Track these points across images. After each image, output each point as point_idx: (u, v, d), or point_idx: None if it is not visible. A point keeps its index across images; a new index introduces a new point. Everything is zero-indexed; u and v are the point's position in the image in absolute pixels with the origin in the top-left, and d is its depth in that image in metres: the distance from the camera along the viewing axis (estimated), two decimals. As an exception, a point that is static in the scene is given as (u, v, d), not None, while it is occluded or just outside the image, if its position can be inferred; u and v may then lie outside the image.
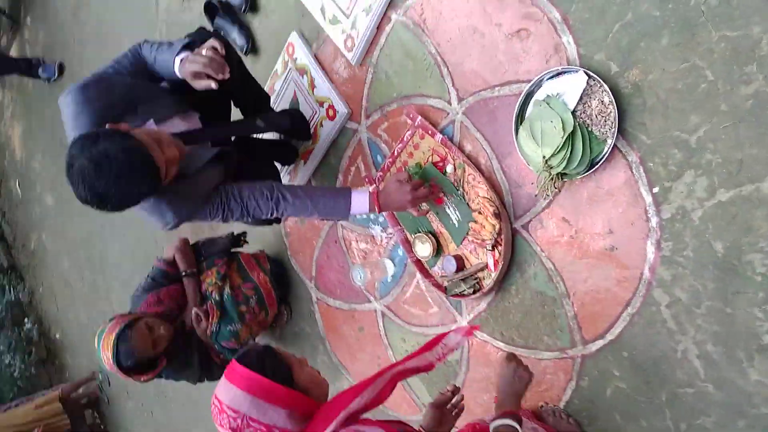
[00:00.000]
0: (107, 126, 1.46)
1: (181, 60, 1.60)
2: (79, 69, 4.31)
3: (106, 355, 1.99)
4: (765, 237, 1.22)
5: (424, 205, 1.84)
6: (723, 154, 1.25)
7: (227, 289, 2.30)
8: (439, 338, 1.31)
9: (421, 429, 1.28)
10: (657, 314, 1.40)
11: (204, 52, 1.57)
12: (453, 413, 1.32)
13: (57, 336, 5.65)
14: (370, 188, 2.00)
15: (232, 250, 2.45)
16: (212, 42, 1.60)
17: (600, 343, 1.52)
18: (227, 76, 1.58)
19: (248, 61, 2.49)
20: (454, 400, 1.34)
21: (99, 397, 4.90)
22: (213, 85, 1.57)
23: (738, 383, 1.30)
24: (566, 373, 1.61)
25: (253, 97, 2.07)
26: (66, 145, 1.47)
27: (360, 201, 1.72)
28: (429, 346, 1.29)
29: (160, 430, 4.07)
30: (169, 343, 2.16)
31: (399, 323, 2.06)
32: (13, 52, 5.57)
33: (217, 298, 2.26)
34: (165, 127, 1.66)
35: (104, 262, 4.42)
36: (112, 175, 1.35)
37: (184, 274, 2.31)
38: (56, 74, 4.57)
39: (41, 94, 4.96)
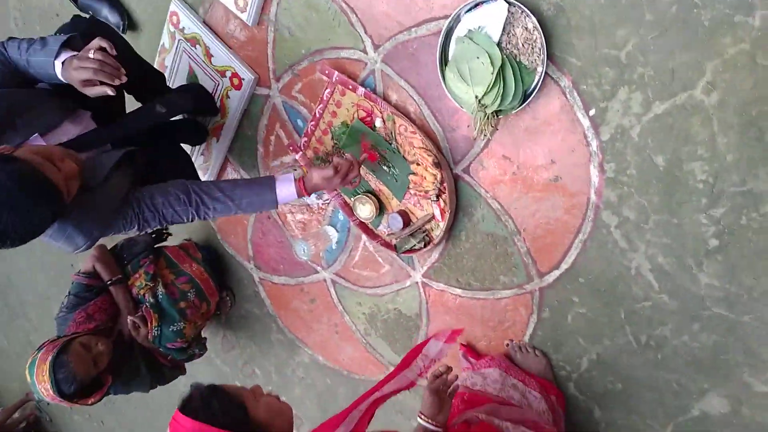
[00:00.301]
0: None
1: (63, 63, 1.35)
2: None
3: (44, 387, 1.80)
4: (702, 144, 1.22)
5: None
6: (654, 66, 1.22)
7: (160, 289, 2.11)
8: (418, 349, 1.23)
9: (421, 415, 1.20)
10: (608, 236, 1.40)
11: (91, 54, 1.33)
12: (448, 394, 1.26)
13: (-23, 365, 5.16)
14: (298, 167, 1.86)
15: (156, 246, 2.24)
16: (99, 41, 1.35)
17: (556, 273, 1.51)
18: (124, 79, 1.36)
19: (128, 39, 2.20)
20: (448, 381, 1.26)
21: (39, 417, 4.57)
22: (109, 91, 1.35)
23: (690, 289, 1.33)
24: (527, 307, 1.60)
25: (148, 81, 1.83)
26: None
27: (286, 191, 1.55)
28: (406, 361, 1.20)
29: (116, 438, 3.87)
30: (109, 358, 1.97)
31: (352, 288, 1.98)
32: None
33: (152, 300, 2.08)
34: (54, 137, 1.43)
35: (12, 280, 4.01)
36: (5, 208, 1.15)
37: (109, 283, 2.09)
38: None
39: None
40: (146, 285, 2.09)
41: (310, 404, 2.36)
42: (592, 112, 1.33)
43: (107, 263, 2.09)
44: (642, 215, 1.34)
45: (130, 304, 2.09)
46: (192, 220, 1.55)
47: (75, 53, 1.38)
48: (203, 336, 2.43)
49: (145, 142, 1.73)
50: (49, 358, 1.79)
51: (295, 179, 1.53)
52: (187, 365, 2.42)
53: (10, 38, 1.45)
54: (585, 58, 1.30)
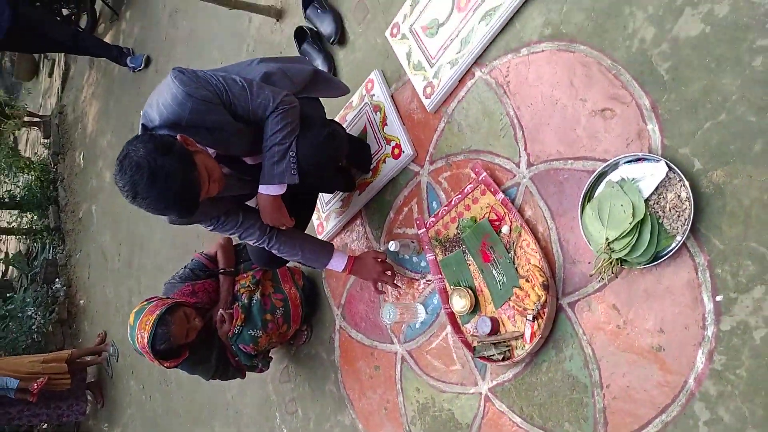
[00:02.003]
0: (179, 136, 1.52)
1: (267, 196, 1.76)
2: (165, 64, 4.46)
3: (141, 335, 1.97)
4: (833, 375, 1.10)
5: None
6: (801, 278, 1.15)
7: (257, 295, 2.26)
8: None
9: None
10: (693, 429, 1.28)
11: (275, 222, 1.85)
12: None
13: (82, 302, 5.68)
14: (416, 241, 1.97)
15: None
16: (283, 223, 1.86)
17: (626, 444, 1.40)
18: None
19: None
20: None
21: (103, 369, 4.87)
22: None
23: None
24: (581, 466, 1.48)
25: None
26: (135, 130, 1.50)
27: (338, 262, 2.01)
28: None
29: (153, 416, 3.99)
30: (197, 335, 2.13)
31: (417, 372, 1.97)
32: (107, 39, 5.84)
33: (246, 301, 2.23)
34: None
35: (143, 245, 4.46)
36: (157, 190, 1.44)
37: (221, 271, 2.29)
38: (142, 65, 4.74)
39: (124, 80, 5.15)
40: (248, 286, 2.26)
41: (332, 467, 2.30)
42: (719, 298, 1.27)
43: (228, 255, 2.30)
44: (739, 423, 1.21)
45: (229, 297, 2.25)
46: (260, 245, 1.93)
47: (279, 194, 1.76)
48: (271, 356, 2.51)
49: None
50: (157, 311, 1.97)
51: (348, 257, 2.01)
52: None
53: (282, 113, 1.65)
54: (729, 244, 1.26)
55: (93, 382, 4.93)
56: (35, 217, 6.79)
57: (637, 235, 1.35)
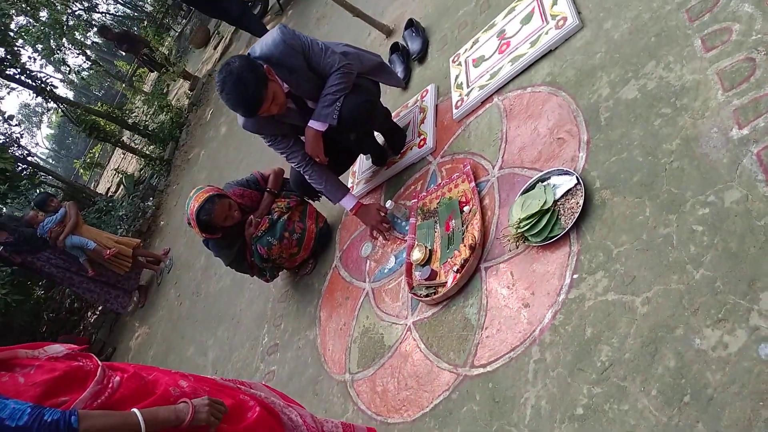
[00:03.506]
0: (265, 66, 2.17)
1: (313, 130, 2.39)
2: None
3: (193, 204, 2.64)
4: (618, 336, 1.49)
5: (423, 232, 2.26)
6: (626, 268, 1.56)
7: (285, 217, 2.86)
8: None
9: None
10: (526, 364, 1.68)
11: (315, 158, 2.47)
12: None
13: (162, 223, 6.64)
14: (407, 209, 2.49)
15: (307, 198, 3.02)
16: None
17: (481, 370, 1.80)
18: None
19: (396, 91, 3.15)
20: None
21: (155, 276, 5.67)
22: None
23: (547, 439, 1.53)
24: (448, 384, 1.89)
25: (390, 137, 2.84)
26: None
27: (349, 201, 2.59)
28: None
29: (176, 320, 4.67)
30: (232, 225, 2.76)
31: (372, 304, 2.45)
32: (268, 27, 6.95)
33: (275, 218, 2.84)
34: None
35: (224, 170, 5.26)
36: (236, 92, 2.10)
37: (267, 190, 2.93)
38: None
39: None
40: (281, 208, 2.87)
41: (287, 367, 2.79)
42: (575, 276, 1.68)
43: (277, 180, 2.95)
44: (554, 363, 1.61)
45: (264, 210, 2.88)
46: (297, 168, 2.52)
47: (321, 131, 2.39)
48: (278, 273, 3.09)
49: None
50: (211, 192, 2.65)
51: (357, 202, 2.59)
52: (247, 289, 3.07)
53: (338, 80, 2.31)
54: (595, 241, 1.68)
55: (143, 285, 5.75)
56: (156, 147, 8.00)
57: (538, 219, 1.80)
